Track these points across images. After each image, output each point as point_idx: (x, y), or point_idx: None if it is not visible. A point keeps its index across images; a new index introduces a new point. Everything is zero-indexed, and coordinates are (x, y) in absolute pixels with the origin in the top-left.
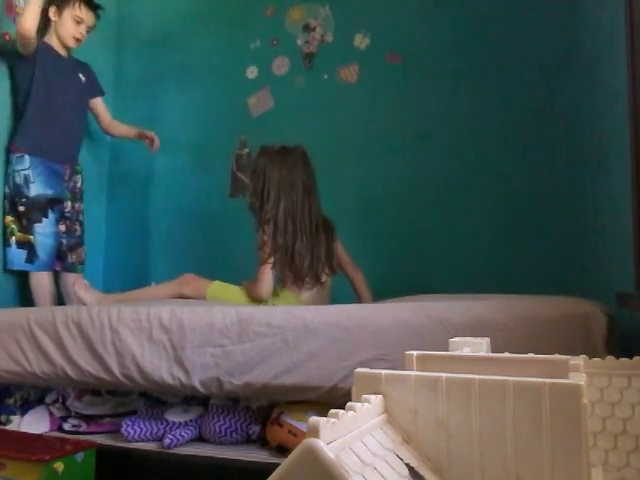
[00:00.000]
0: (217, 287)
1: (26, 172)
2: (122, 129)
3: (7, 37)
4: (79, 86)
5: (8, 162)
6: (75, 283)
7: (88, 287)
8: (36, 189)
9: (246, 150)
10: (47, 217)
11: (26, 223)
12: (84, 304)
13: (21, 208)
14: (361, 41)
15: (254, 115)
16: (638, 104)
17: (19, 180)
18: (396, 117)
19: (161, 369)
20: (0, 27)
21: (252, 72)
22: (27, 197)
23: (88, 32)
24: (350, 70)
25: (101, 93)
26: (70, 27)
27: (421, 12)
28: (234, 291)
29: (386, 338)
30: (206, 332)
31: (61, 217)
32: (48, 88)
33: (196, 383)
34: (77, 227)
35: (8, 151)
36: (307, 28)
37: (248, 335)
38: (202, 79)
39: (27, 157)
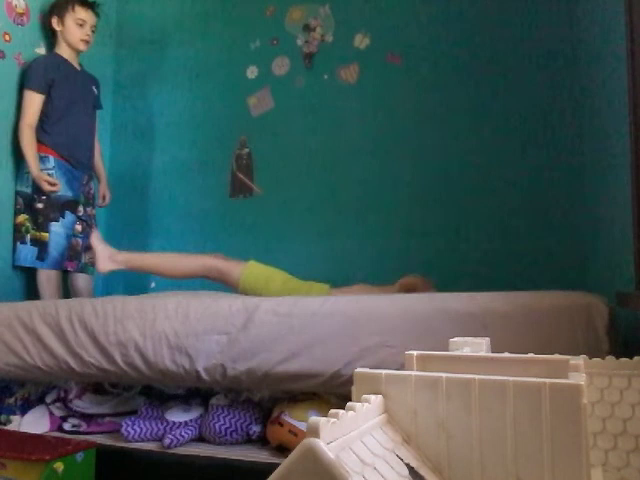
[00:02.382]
0: (255, 264)
1: (50, 172)
2: (98, 160)
3: (7, 37)
4: (92, 98)
5: (24, 162)
6: (92, 234)
7: (103, 241)
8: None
9: (246, 150)
10: (64, 218)
11: (42, 220)
12: (95, 252)
13: (39, 205)
14: (361, 41)
15: (254, 115)
16: (638, 104)
17: None
18: (396, 117)
19: (164, 357)
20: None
21: (252, 72)
22: (47, 195)
23: (93, 32)
24: (350, 70)
25: (101, 107)
26: (75, 32)
27: (421, 12)
28: (271, 270)
29: (390, 325)
30: (212, 320)
31: (77, 219)
32: (68, 98)
33: (200, 369)
34: (93, 229)
35: None
36: (307, 28)
37: (254, 323)
38: (202, 79)
39: (51, 158)
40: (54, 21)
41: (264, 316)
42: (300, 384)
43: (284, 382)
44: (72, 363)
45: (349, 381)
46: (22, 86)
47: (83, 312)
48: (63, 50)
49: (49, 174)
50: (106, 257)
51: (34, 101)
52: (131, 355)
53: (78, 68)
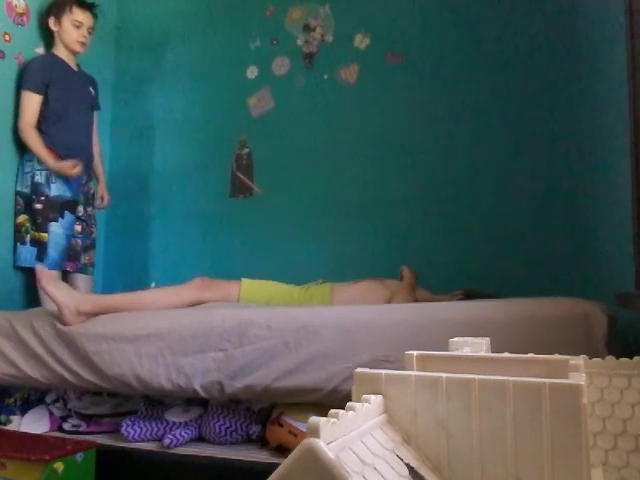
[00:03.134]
0: (250, 284)
1: (48, 171)
2: (97, 162)
3: (7, 37)
4: (90, 99)
5: (24, 163)
6: (38, 274)
7: (57, 282)
8: (56, 189)
9: (246, 150)
10: (63, 218)
11: (41, 221)
12: (56, 304)
13: (38, 206)
14: (361, 41)
15: (254, 115)
16: (638, 104)
17: (40, 179)
18: (396, 117)
19: (160, 376)
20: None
21: (252, 72)
22: (46, 195)
23: (90, 33)
24: (350, 70)
25: (99, 108)
26: (72, 33)
27: (421, 12)
28: (270, 285)
29: (387, 339)
30: (206, 336)
31: (76, 219)
32: (65, 99)
33: (197, 387)
34: (93, 229)
35: (27, 151)
36: (307, 28)
37: (248, 338)
38: (202, 79)
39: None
40: (51, 21)
41: (258, 331)
42: (300, 398)
43: (284, 396)
44: (69, 378)
45: (348, 395)
46: (19, 86)
47: (74, 333)
48: (60, 51)
49: (47, 174)
50: (72, 312)
51: (32, 101)
52: (126, 375)
53: (75, 69)
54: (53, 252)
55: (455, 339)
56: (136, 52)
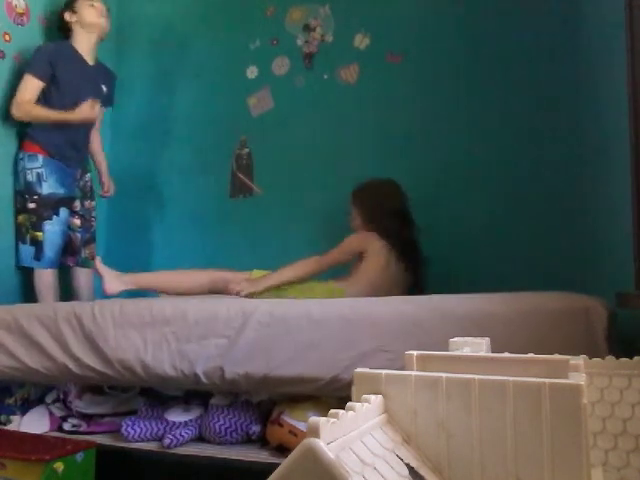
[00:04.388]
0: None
1: (39, 170)
2: (100, 152)
3: (7, 37)
4: (98, 95)
5: (17, 162)
6: (95, 261)
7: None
8: (48, 187)
9: (246, 150)
10: (58, 215)
11: (36, 220)
12: (103, 278)
13: (31, 205)
14: (361, 41)
15: (254, 115)
16: (638, 103)
17: (31, 178)
18: (396, 117)
19: (164, 362)
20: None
21: (252, 72)
22: (38, 195)
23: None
24: (350, 70)
25: (111, 104)
26: (91, 11)
27: (421, 12)
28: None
29: (387, 329)
30: (211, 323)
31: (71, 215)
32: (67, 90)
33: (199, 372)
34: (92, 223)
35: (20, 150)
36: (307, 28)
37: (252, 325)
38: (202, 79)
39: (40, 156)
40: (67, 15)
41: (261, 318)
42: (299, 388)
43: (283, 386)
44: (71, 366)
45: (348, 385)
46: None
47: (82, 317)
48: (78, 42)
49: (38, 173)
50: (113, 279)
51: (32, 84)
52: (130, 360)
53: (91, 62)
54: (49, 251)
55: (455, 339)
56: (136, 52)
